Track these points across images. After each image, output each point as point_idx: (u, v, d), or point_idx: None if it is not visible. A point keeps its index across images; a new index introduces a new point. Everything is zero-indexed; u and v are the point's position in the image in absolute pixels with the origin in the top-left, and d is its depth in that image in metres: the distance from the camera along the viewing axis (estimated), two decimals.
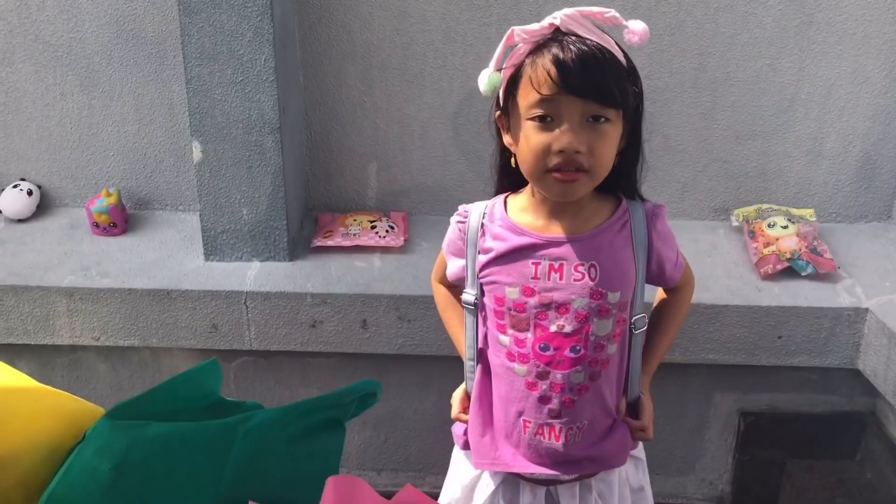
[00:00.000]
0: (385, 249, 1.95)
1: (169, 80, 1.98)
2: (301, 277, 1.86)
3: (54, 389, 1.02)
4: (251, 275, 1.87)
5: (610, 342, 1.23)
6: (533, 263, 1.21)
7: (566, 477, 1.30)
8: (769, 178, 2.02)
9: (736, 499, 2.04)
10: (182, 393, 0.95)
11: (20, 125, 2.05)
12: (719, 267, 1.91)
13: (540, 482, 1.32)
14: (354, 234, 1.94)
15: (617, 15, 1.14)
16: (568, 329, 1.20)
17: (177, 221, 2.08)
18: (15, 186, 2.06)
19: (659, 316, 1.40)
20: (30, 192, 2.06)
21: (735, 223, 2.00)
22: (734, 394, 1.96)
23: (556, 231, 1.22)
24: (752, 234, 1.93)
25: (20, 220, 2.06)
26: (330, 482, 0.65)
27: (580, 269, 1.19)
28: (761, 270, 1.86)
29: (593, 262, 1.19)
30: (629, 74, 1.16)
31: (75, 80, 2.00)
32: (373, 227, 1.97)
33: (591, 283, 1.19)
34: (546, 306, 1.21)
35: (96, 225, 2.00)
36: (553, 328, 1.21)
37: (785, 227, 1.89)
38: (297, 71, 1.94)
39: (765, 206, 1.99)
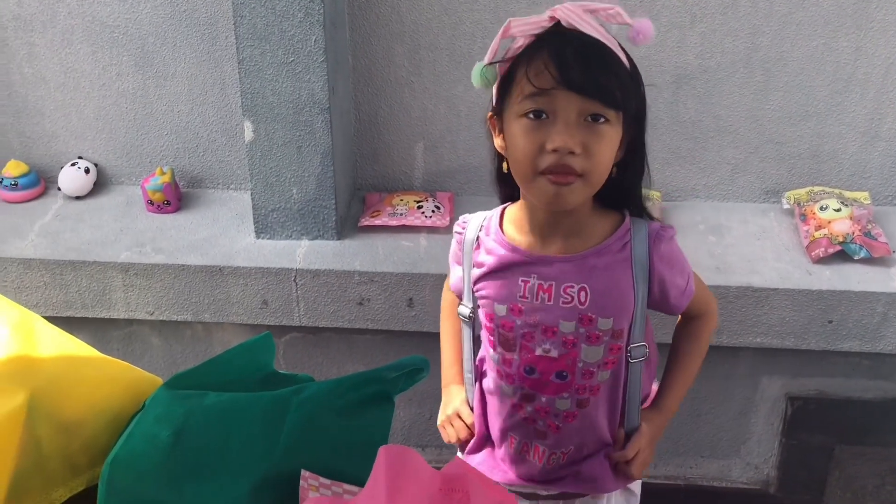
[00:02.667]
0: (431, 229, 1.96)
1: (221, 60, 2.01)
2: (349, 256, 1.89)
3: (115, 359, 1.06)
4: (300, 252, 1.90)
5: (601, 369, 1.16)
6: (522, 281, 1.14)
7: (544, 492, 1.28)
8: (822, 159, 1.98)
9: (781, 483, 2.02)
10: (236, 365, 0.98)
11: (78, 105, 2.10)
12: (769, 250, 1.88)
13: (522, 494, 1.30)
14: (401, 214, 1.96)
15: (621, 11, 1.06)
16: (554, 353, 1.14)
17: (228, 200, 2.12)
18: (73, 164, 2.12)
19: (675, 347, 1.32)
20: (87, 171, 2.12)
21: (786, 206, 1.97)
22: (782, 378, 1.94)
23: (549, 248, 1.14)
24: (804, 217, 1.90)
25: (78, 198, 2.12)
26: (382, 452, 0.67)
27: (570, 291, 1.11)
28: (812, 254, 1.83)
29: (584, 285, 1.11)
30: (632, 77, 1.07)
31: (131, 61, 2.04)
32: (419, 207, 1.99)
33: (581, 307, 1.11)
34: (533, 327, 1.14)
35: (151, 202, 2.05)
36: (539, 351, 1.15)
37: (838, 210, 1.86)
38: (347, 51, 1.95)
39: (817, 188, 1.96)
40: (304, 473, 0.83)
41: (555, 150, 1.00)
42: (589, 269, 1.11)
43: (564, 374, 1.16)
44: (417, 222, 1.95)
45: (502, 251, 1.16)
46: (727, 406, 2.00)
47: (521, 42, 1.07)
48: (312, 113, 1.81)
